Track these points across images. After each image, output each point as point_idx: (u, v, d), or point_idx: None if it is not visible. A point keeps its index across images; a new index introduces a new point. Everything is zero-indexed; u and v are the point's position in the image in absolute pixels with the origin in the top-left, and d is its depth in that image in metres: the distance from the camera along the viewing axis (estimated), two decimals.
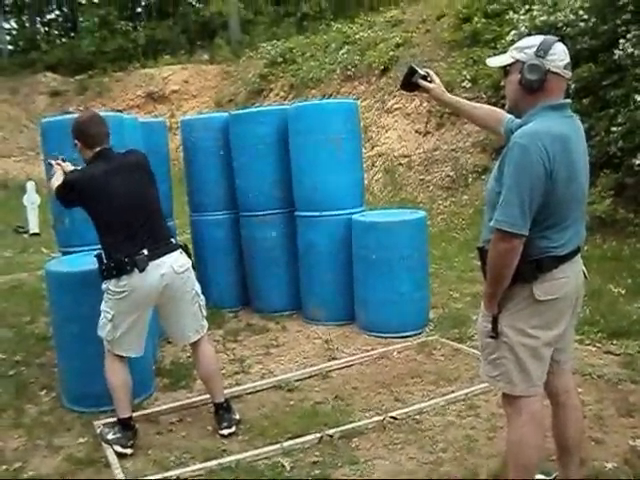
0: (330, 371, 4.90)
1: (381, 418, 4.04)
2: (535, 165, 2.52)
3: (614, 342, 5.14)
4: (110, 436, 3.93)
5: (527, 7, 11.21)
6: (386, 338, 5.41)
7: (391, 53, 15.08)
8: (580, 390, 4.28)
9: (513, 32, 11.12)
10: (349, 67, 16.22)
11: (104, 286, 3.81)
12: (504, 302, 2.71)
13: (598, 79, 8.93)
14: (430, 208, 10.65)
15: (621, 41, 8.54)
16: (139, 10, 31.64)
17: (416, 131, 12.41)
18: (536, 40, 2.68)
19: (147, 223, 3.82)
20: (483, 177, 10.48)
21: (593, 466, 3.41)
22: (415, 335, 5.46)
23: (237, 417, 4.14)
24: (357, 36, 17.59)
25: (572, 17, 9.87)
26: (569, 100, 2.76)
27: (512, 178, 2.56)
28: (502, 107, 9.86)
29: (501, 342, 2.75)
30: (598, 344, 5.16)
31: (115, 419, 4.02)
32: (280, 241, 6.18)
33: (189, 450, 3.88)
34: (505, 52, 2.81)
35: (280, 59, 19.92)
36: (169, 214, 6.32)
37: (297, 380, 4.76)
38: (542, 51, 2.62)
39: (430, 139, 12.02)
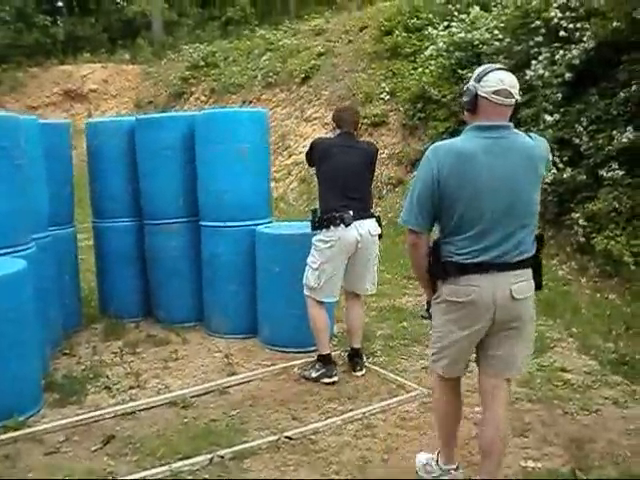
0: (228, 387, 4.77)
1: (276, 438, 3.94)
2: (426, 173, 2.96)
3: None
4: (314, 374, 4.83)
5: (446, 24, 11.39)
6: (288, 353, 5.32)
7: (312, 62, 15.12)
8: (477, 409, 4.29)
9: (432, 47, 11.30)
10: (270, 74, 16.18)
11: (315, 238, 4.78)
12: (437, 292, 3.09)
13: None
14: None
15: (533, 62, 8.75)
16: (60, 4, 30.69)
17: None
18: (483, 67, 3.03)
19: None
20: (397, 189, 10.56)
21: None
22: (318, 350, 5.37)
23: (365, 362, 5.07)
24: (280, 43, 17.58)
25: (488, 36, 10.08)
26: (501, 122, 2.96)
27: (412, 183, 3.09)
28: (418, 119, 9.93)
29: (431, 323, 3.21)
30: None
31: (311, 360, 4.99)
32: (184, 251, 6.02)
33: (73, 472, 3.68)
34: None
35: (202, 63, 19.72)
36: (69, 219, 6.10)
37: (193, 396, 4.61)
38: (478, 77, 2.96)
39: None
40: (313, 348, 5.31)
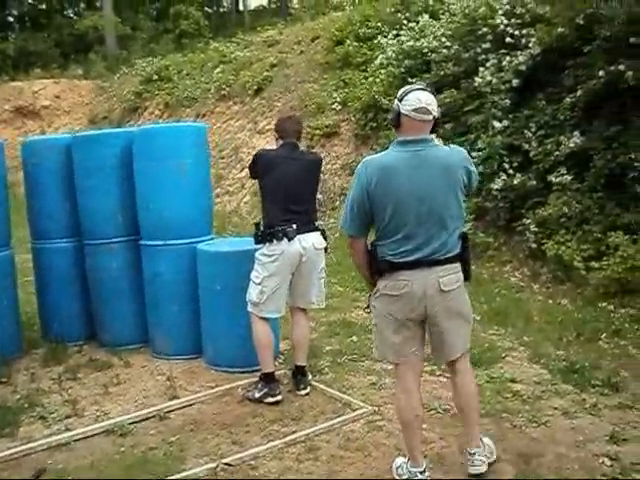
0: (169, 411, 4.59)
1: (214, 465, 3.78)
2: (358, 185, 3.39)
3: None
4: (257, 394, 4.69)
5: (395, 32, 11.36)
6: (233, 373, 5.16)
7: (265, 73, 15.02)
8: (425, 426, 4.18)
9: (381, 56, 11.26)
10: (224, 86, 16.02)
11: (258, 252, 4.69)
12: (376, 287, 3.47)
13: (460, 105, 9.09)
14: None
15: (481, 69, 8.74)
16: (10, 19, 30.23)
17: None
18: (403, 88, 3.41)
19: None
20: None
21: None
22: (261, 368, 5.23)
23: (310, 380, 4.92)
24: (233, 55, 17.45)
25: (436, 44, 10.06)
26: (423, 136, 3.33)
27: (348, 194, 3.52)
28: (370, 129, 9.82)
29: (372, 316, 3.60)
30: (448, 374, 5.07)
31: (256, 379, 4.82)
32: (126, 271, 5.81)
33: None
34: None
35: (156, 77, 19.44)
36: (5, 241, 5.88)
37: (132, 423, 4.43)
38: (400, 97, 3.35)
39: None
40: (258, 367, 5.15)
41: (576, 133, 7.52)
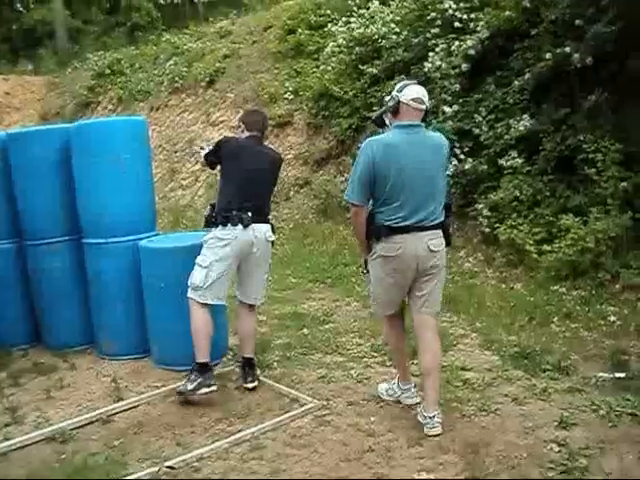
0: (113, 414, 4.44)
1: (156, 469, 3.66)
2: (364, 160, 3.87)
3: (415, 362, 5.00)
4: (190, 386, 4.48)
5: (346, 19, 11.26)
6: (180, 372, 5.01)
7: (217, 64, 14.81)
8: (373, 419, 4.14)
9: (332, 44, 11.15)
10: (176, 79, 15.75)
11: (209, 235, 4.63)
12: (372, 251, 4.01)
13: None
14: None
15: (430, 54, 8.69)
16: None
17: None
18: (403, 82, 4.07)
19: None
20: (303, 190, 10.36)
21: None
22: (212, 366, 5.11)
23: (259, 375, 4.82)
24: (185, 47, 17.17)
25: (385, 30, 9.99)
26: (417, 122, 3.92)
27: (354, 165, 3.98)
28: (322, 117, 9.69)
29: (368, 278, 4.18)
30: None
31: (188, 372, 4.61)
32: (69, 271, 5.62)
33: None
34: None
35: (108, 71, 19.05)
36: None
37: (74, 428, 4.26)
38: (400, 88, 3.94)
39: None
40: None
41: (525, 116, 7.52)
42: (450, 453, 3.69)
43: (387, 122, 4.10)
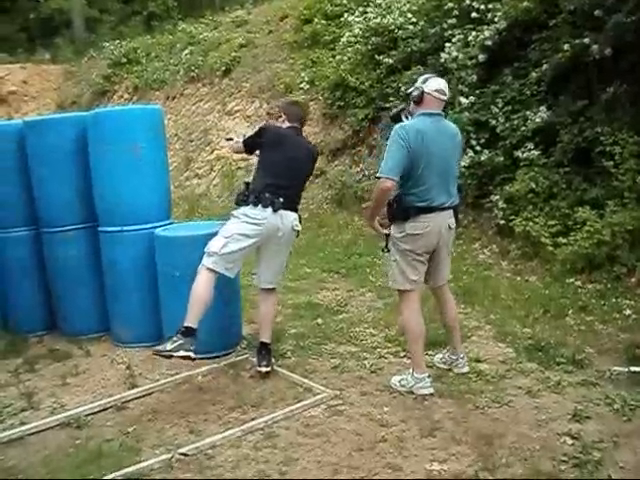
0: (127, 401, 4.47)
1: (169, 456, 3.68)
2: (400, 143, 4.10)
3: (430, 352, 5.01)
4: (169, 346, 4.39)
5: (362, 9, 11.21)
6: (194, 360, 5.03)
7: (233, 54, 14.80)
8: (386, 409, 4.14)
9: (348, 34, 11.12)
10: (192, 68, 15.77)
11: (239, 211, 4.71)
12: (394, 231, 4.32)
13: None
14: None
15: (447, 45, 8.64)
16: None
17: None
18: (426, 75, 4.38)
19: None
20: (318, 181, 10.34)
21: None
22: (225, 355, 5.14)
23: (273, 362, 4.86)
24: (201, 36, 17.18)
25: (402, 20, 9.93)
26: (439, 111, 4.29)
27: (388, 149, 4.18)
28: (338, 108, 9.66)
29: (390, 255, 4.40)
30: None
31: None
32: (85, 259, 5.65)
33: None
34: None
35: (124, 60, 19.11)
36: None
37: (89, 414, 4.30)
38: (424, 80, 4.26)
39: None
40: (220, 353, 5.10)
41: (542, 108, 7.47)
42: (463, 444, 3.68)
43: (403, 118, 4.42)
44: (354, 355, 5.09)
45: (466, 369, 4.64)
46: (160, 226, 5.38)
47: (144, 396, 4.56)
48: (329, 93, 11.04)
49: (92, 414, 4.32)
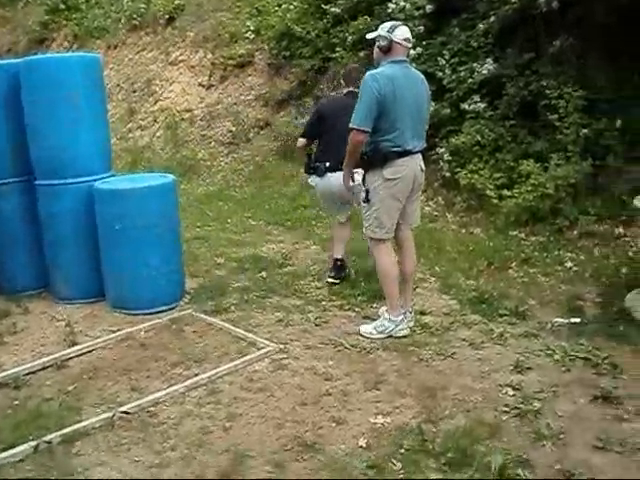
0: (67, 359, 4.37)
1: (111, 415, 3.61)
2: (372, 91, 4.18)
3: (374, 305, 5.02)
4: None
5: None
6: (137, 315, 4.96)
7: (177, 2, 14.26)
8: (330, 363, 4.14)
9: None
10: (135, 16, 15.19)
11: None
12: (370, 181, 4.38)
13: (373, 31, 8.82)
14: (211, 165, 10.22)
15: None
16: None
17: (199, 84, 11.81)
18: (390, 23, 4.43)
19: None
20: (263, 132, 10.18)
21: (325, 452, 3.20)
22: (168, 310, 5.05)
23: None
24: None
25: None
26: (406, 58, 4.42)
27: (359, 98, 4.27)
28: (284, 58, 9.40)
29: (369, 205, 4.41)
30: (357, 309, 5.03)
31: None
32: (21, 213, 5.47)
33: None
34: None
35: (62, 6, 18.33)
36: None
37: (28, 374, 4.19)
38: (391, 29, 4.32)
39: (213, 93, 11.50)
40: (161, 308, 5.01)
41: (489, 60, 7.43)
42: (407, 397, 3.71)
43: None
44: (299, 308, 5.07)
45: (412, 323, 4.63)
46: (100, 179, 5.21)
47: (84, 354, 4.46)
48: (275, 43, 10.78)
49: (31, 373, 4.21)
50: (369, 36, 4.53)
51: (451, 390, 3.76)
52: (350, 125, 4.27)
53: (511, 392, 3.71)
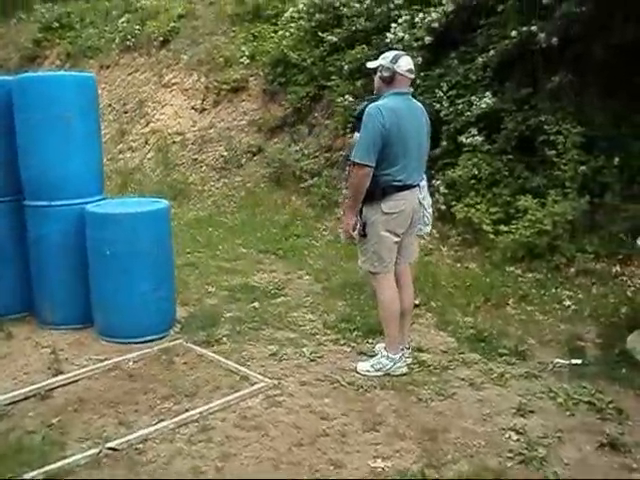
0: (52, 389, 4.19)
1: (97, 451, 3.44)
2: (376, 125, 4.07)
3: (370, 341, 4.89)
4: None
5: None
6: (126, 344, 4.79)
7: (172, 24, 14.24)
8: (326, 401, 4.00)
9: (292, 9, 10.84)
10: (129, 37, 15.14)
11: None
12: (368, 214, 4.24)
13: (373, 60, 8.79)
14: (202, 190, 10.09)
15: (393, 25, 8.46)
16: None
17: (192, 107, 11.71)
18: (392, 53, 4.29)
19: None
20: (256, 158, 10.08)
21: None
22: (158, 339, 4.89)
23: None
24: (139, 4, 16.48)
25: None
26: (410, 89, 4.33)
27: (363, 131, 4.15)
28: (279, 84, 9.30)
29: (367, 239, 4.28)
30: (353, 344, 4.89)
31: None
32: (8, 234, 5.31)
33: None
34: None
35: (56, 24, 18.27)
36: None
37: (10, 404, 4.01)
38: (394, 59, 4.18)
39: (206, 116, 11.39)
40: (151, 337, 4.86)
41: (488, 94, 7.38)
42: (407, 439, 3.57)
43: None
44: (292, 342, 4.93)
45: (409, 360, 4.49)
46: (91, 202, 5.07)
47: (70, 383, 4.28)
48: (270, 69, 10.72)
49: (13, 403, 4.03)
50: (370, 65, 4.40)
51: (453, 433, 3.63)
52: (352, 159, 4.18)
53: (515, 437, 3.59)
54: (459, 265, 6.73)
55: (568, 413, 3.86)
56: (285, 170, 9.61)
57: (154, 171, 11.16)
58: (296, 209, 8.89)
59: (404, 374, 4.33)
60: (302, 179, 9.28)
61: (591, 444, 3.53)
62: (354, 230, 4.35)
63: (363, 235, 4.29)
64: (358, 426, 3.71)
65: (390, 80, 4.20)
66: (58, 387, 4.23)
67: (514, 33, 7.05)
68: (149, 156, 11.62)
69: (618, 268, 6.07)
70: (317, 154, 9.44)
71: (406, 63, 4.22)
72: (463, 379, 4.30)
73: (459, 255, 6.96)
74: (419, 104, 4.46)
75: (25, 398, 4.08)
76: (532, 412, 3.86)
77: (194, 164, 10.77)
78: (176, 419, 3.74)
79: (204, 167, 10.63)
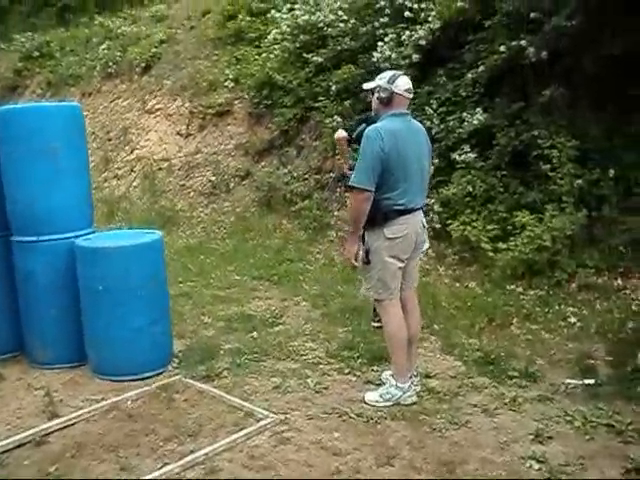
0: (48, 434, 4.00)
1: None
2: (375, 148, 3.96)
3: (375, 368, 4.74)
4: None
5: (289, 6, 10.86)
6: (122, 382, 4.61)
7: (154, 50, 14.16)
8: (336, 435, 3.84)
9: (275, 31, 10.77)
10: (110, 64, 15.03)
11: None
12: (371, 241, 4.12)
13: (358, 81, 8.67)
14: (190, 216, 9.91)
15: (379, 44, 8.41)
16: None
17: (177, 133, 11.56)
18: (389, 73, 4.22)
19: None
20: (244, 182, 9.94)
21: None
22: (156, 375, 4.71)
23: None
24: (119, 31, 16.40)
25: (332, 17, 9.67)
26: (408, 111, 4.22)
27: (362, 155, 4.04)
28: (265, 107, 9.17)
29: (371, 266, 4.14)
30: (358, 372, 4.73)
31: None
32: None
33: None
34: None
35: (36, 53, 18.17)
36: None
37: (3, 452, 3.81)
38: (391, 80, 4.10)
39: (192, 142, 11.25)
40: (149, 374, 4.68)
41: (478, 110, 7.30)
42: (423, 473, 3.43)
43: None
44: (295, 373, 4.76)
45: (418, 388, 4.34)
46: (81, 235, 4.90)
47: (67, 427, 4.09)
48: (255, 92, 10.60)
49: (6, 451, 3.83)
50: (366, 86, 4.32)
51: (471, 464, 3.48)
52: (350, 183, 4.07)
53: (536, 465, 3.45)
54: (458, 284, 6.60)
55: (587, 437, 3.73)
56: (275, 194, 9.47)
57: (141, 199, 10.99)
58: (288, 233, 8.75)
59: (414, 403, 4.18)
60: (292, 202, 9.14)
61: (616, 469, 3.40)
62: (356, 259, 4.25)
63: (367, 262, 4.16)
64: (372, 461, 3.55)
65: (388, 101, 4.10)
66: (54, 432, 4.03)
67: (503, 48, 6.99)
68: (135, 184, 11.46)
69: (620, 281, 5.98)
70: (307, 176, 9.32)
71: (404, 83, 4.14)
72: (475, 405, 4.16)
73: (457, 274, 6.83)
74: (419, 124, 4.37)
75: (20, 445, 3.89)
76: (550, 438, 3.72)
77: (181, 190, 10.61)
78: (181, 462, 3.56)
79: (192, 193, 10.47)
